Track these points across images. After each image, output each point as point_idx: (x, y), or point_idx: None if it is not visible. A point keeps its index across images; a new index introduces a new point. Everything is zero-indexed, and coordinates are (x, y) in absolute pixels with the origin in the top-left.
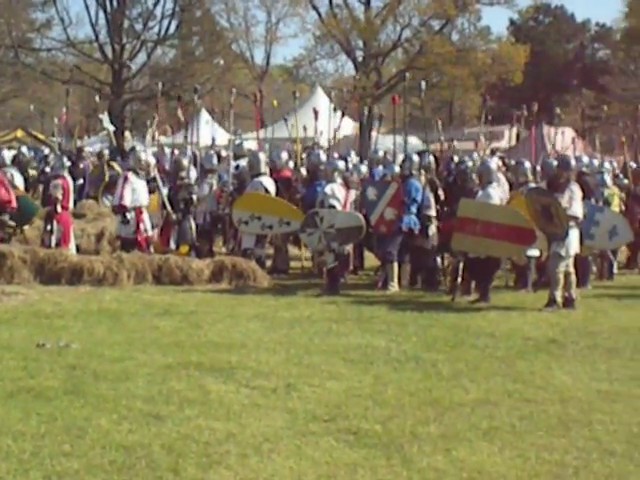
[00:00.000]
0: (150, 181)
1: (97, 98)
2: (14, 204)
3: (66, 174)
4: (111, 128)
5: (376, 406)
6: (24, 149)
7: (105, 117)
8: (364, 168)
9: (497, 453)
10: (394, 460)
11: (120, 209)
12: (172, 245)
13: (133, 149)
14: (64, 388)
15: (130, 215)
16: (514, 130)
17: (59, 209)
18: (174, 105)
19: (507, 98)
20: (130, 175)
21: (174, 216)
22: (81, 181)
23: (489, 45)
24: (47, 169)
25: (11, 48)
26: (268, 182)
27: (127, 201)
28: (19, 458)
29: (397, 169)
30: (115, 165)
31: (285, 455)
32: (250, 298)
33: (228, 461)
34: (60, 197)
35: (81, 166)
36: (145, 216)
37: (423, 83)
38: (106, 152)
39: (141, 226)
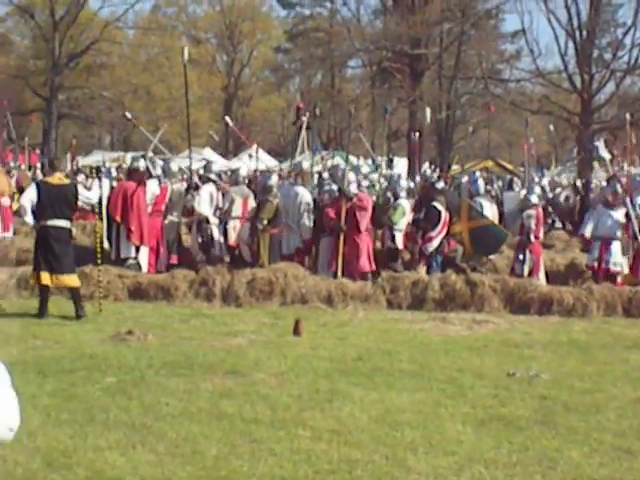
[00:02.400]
0: None
1: (551, 127)
2: None
3: (538, 202)
4: (607, 156)
5: None
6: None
7: (601, 145)
8: None
9: None
10: None
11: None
12: None
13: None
14: (535, 418)
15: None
16: None
17: (532, 238)
18: None
19: None
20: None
21: None
22: None
23: None
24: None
25: (481, 79)
26: None
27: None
28: None
29: None
30: None
31: None
32: None
33: None
34: (533, 227)
35: (591, 195)
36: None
37: None
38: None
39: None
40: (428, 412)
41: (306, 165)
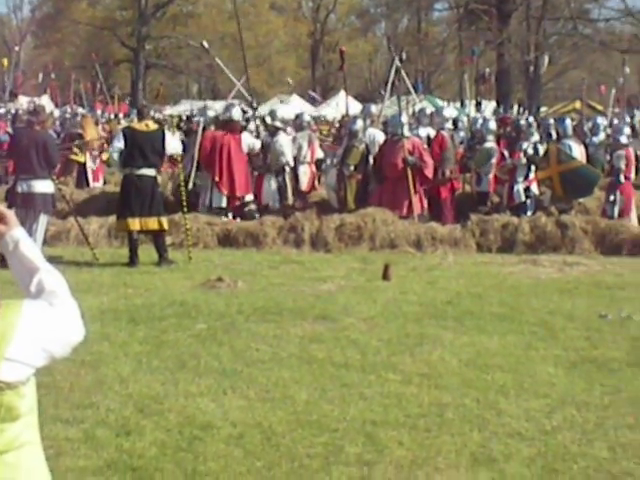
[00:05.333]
0: None
1: None
2: None
3: (628, 142)
4: None
5: None
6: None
7: None
8: None
9: None
10: None
11: None
12: None
13: None
14: (627, 360)
15: None
16: None
17: (622, 179)
18: None
19: None
20: None
21: None
22: None
23: None
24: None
25: (570, 19)
26: None
27: None
28: (583, 428)
29: None
30: None
31: None
32: None
33: None
34: (623, 167)
35: None
36: None
37: None
38: None
39: None
40: (519, 355)
41: (374, 109)
